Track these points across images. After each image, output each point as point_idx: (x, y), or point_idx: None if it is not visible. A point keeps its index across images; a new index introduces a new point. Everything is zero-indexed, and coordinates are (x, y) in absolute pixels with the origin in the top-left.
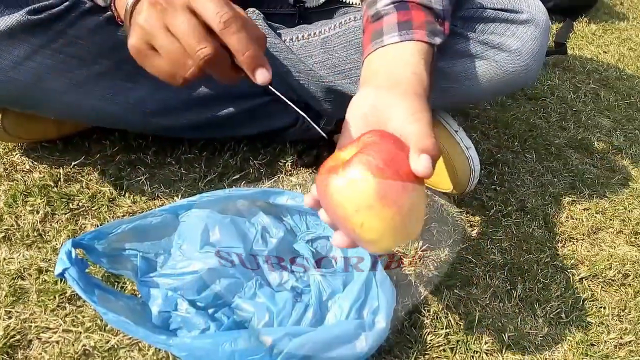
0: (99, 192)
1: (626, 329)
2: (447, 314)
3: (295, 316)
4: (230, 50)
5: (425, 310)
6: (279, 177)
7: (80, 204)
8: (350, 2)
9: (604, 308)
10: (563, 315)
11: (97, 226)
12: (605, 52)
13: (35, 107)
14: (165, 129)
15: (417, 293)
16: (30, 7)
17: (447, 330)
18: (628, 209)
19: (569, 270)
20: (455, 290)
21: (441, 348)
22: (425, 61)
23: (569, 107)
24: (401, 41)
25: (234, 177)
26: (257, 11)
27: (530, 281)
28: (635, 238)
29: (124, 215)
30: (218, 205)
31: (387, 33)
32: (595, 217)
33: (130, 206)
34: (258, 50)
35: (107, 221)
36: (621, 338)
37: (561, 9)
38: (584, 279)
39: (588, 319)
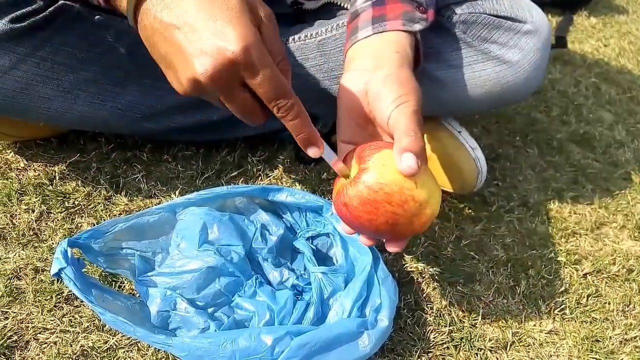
0: (95, 190)
1: (631, 324)
2: (451, 311)
3: (297, 315)
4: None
5: (428, 307)
6: (277, 173)
7: (76, 202)
8: (347, 6)
9: (609, 304)
10: (567, 311)
11: (94, 225)
12: (606, 46)
13: (22, 114)
14: (157, 132)
15: (419, 290)
16: (12, 14)
17: (451, 327)
18: (631, 204)
19: (572, 266)
20: (458, 287)
21: (445, 345)
22: (408, 45)
23: (570, 101)
24: (374, 33)
25: (232, 174)
26: None
27: (533, 277)
28: (639, 233)
29: (120, 214)
30: (216, 202)
31: (361, 28)
32: (598, 212)
33: (127, 204)
34: (311, 131)
35: (104, 220)
36: (626, 334)
37: (560, 3)
38: (587, 275)
39: (593, 315)
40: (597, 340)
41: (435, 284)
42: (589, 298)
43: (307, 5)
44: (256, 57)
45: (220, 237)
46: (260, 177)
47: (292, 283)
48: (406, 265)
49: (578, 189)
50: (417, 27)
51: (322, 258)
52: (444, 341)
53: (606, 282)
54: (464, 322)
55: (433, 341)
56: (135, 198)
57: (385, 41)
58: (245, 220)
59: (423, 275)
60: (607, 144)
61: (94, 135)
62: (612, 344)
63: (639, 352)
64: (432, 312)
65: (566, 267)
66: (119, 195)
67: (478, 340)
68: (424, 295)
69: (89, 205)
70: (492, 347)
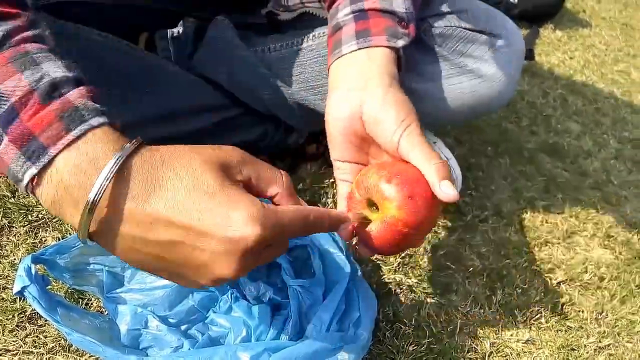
0: None
1: (604, 332)
2: (429, 322)
3: (274, 330)
4: None
5: (406, 319)
6: None
7: (40, 215)
8: (323, 17)
9: (582, 312)
10: (543, 320)
11: (59, 239)
12: (571, 58)
13: None
14: None
15: (397, 301)
16: None
17: (430, 339)
18: (600, 212)
19: (546, 275)
20: (435, 298)
21: (424, 358)
22: (392, 61)
23: (539, 112)
24: (359, 49)
25: None
26: (226, 20)
27: (509, 286)
28: (609, 241)
29: None
30: None
31: (345, 43)
32: (569, 220)
33: None
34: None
35: (69, 233)
36: (600, 342)
37: (527, 16)
38: (561, 283)
39: (567, 324)
40: (573, 349)
41: (412, 295)
42: (563, 307)
43: (283, 15)
44: (270, 226)
45: None
46: None
47: (269, 297)
48: (383, 276)
49: (549, 198)
50: (401, 42)
51: (299, 271)
52: (423, 354)
53: (579, 291)
54: (442, 333)
55: (412, 354)
56: None
57: (371, 58)
58: None
59: (401, 287)
60: (575, 154)
61: None
62: (587, 353)
63: None
64: (410, 324)
65: (540, 276)
66: None
67: (457, 352)
68: (402, 307)
69: (54, 219)
70: (470, 359)
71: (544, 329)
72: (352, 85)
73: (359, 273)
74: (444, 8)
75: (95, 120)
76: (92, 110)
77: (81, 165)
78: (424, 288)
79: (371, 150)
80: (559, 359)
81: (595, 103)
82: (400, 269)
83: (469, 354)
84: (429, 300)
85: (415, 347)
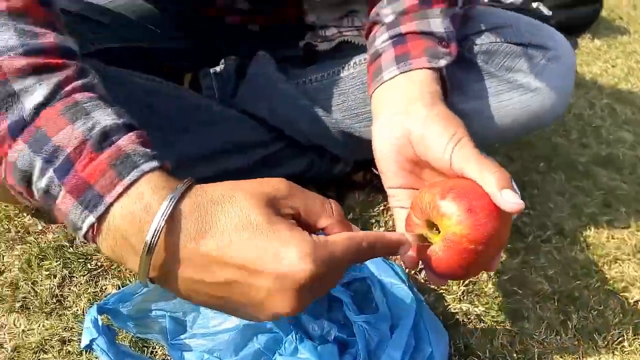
0: None
1: None
2: (504, 353)
3: None
4: None
5: (480, 351)
6: None
7: (99, 263)
8: (361, 44)
9: None
10: (626, 344)
11: (119, 287)
12: (614, 67)
13: None
14: None
15: (467, 332)
16: None
17: None
18: None
19: (621, 294)
20: (506, 326)
21: None
22: (435, 81)
23: (587, 124)
24: (400, 73)
25: None
26: (267, 55)
27: (583, 309)
28: None
29: None
30: None
31: (385, 69)
32: (637, 235)
33: None
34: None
35: (129, 280)
36: None
37: (562, 27)
38: (638, 302)
39: None
40: None
41: (482, 324)
42: None
43: (321, 46)
44: (322, 261)
45: None
46: None
47: (334, 335)
48: (449, 306)
49: (611, 212)
50: (443, 62)
51: (360, 305)
52: None
53: None
54: None
55: None
56: None
57: (413, 81)
58: None
59: (468, 316)
60: (632, 164)
61: None
62: None
63: None
64: (485, 356)
65: (615, 296)
66: None
67: None
68: (473, 338)
69: (113, 266)
70: None
71: (628, 353)
72: (396, 110)
73: (424, 304)
74: (487, 25)
75: (147, 165)
76: (143, 155)
77: (136, 212)
78: (493, 316)
79: (425, 174)
80: None
81: None
82: (466, 298)
83: None
84: (499, 328)
85: None
